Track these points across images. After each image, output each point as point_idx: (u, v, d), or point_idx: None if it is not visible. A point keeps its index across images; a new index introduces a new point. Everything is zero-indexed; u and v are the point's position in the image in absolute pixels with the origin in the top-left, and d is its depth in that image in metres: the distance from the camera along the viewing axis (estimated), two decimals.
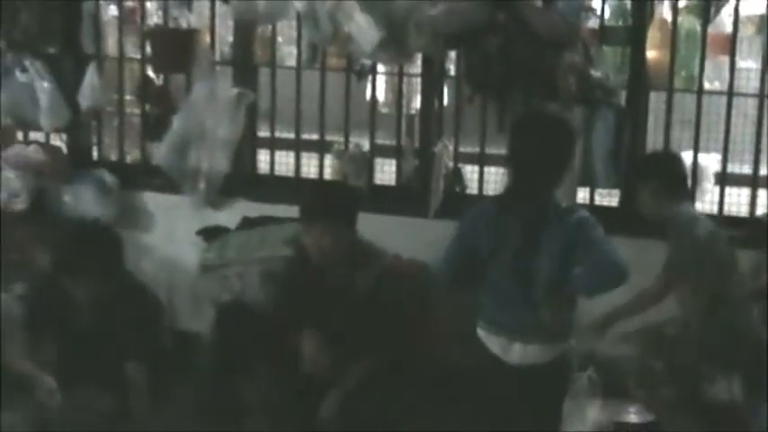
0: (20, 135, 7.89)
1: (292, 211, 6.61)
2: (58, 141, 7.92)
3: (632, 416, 5.95)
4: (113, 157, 7.85)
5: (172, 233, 7.40)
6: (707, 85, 6.90)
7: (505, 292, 4.91)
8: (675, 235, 5.85)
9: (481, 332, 5.00)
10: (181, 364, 6.53)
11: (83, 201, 7.36)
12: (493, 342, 4.95)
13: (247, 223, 7.08)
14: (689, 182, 6.19)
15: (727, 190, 6.98)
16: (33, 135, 7.92)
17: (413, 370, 6.08)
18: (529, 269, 4.86)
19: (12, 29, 7.56)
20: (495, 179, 7.02)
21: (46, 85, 7.47)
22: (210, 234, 7.08)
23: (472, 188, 7.29)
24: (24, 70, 7.51)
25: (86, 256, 5.98)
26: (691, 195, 6.23)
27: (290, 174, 7.58)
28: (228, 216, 7.21)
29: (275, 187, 7.45)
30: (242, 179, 7.43)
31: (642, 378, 5.99)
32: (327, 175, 7.64)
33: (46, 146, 7.74)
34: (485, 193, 7.08)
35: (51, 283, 6.25)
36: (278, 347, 6.05)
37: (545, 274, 4.83)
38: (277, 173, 7.68)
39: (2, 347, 6.11)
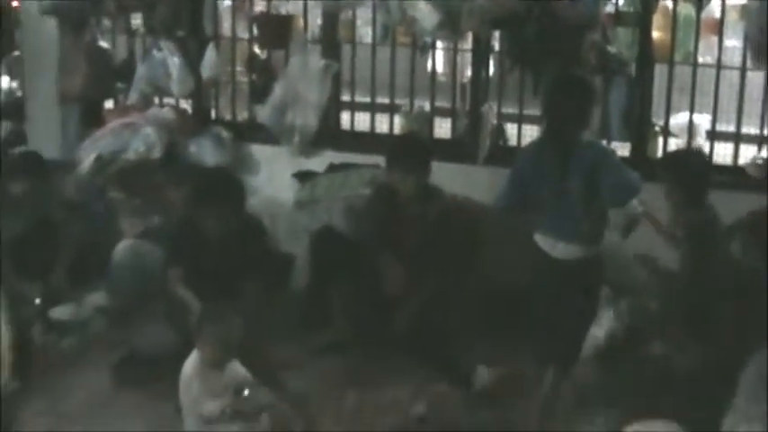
0: (156, 100, 8.06)
1: (369, 159, 7.10)
2: (185, 105, 8.13)
3: None
4: (227, 116, 8.03)
5: (273, 176, 7.53)
6: (700, 60, 7.09)
7: (552, 207, 5.31)
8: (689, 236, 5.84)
9: (537, 237, 5.41)
10: (282, 280, 6.73)
11: (204, 151, 7.56)
12: (545, 243, 5.37)
13: (333, 168, 7.30)
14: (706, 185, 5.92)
15: (716, 144, 7.16)
16: (166, 100, 8.12)
17: (472, 286, 6.32)
18: (567, 189, 5.28)
19: (150, 18, 7.83)
20: (530, 134, 7.21)
21: (176, 60, 7.74)
22: (303, 177, 7.31)
23: (512, 141, 7.51)
24: (160, 49, 7.79)
25: (219, 196, 6.07)
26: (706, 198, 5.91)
27: (367, 129, 7.79)
28: (317, 163, 7.41)
29: (355, 140, 7.66)
30: (328, 134, 7.59)
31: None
32: (396, 130, 7.81)
33: (176, 108, 8.00)
34: (522, 144, 7.20)
35: (183, 218, 6.38)
36: (361, 268, 6.30)
37: (579, 191, 5.26)
38: (356, 129, 7.88)
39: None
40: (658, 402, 5.13)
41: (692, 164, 6.09)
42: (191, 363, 5.19)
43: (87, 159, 7.53)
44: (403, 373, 6.00)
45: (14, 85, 8.83)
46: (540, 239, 5.38)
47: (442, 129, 7.93)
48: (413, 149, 6.44)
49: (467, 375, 5.84)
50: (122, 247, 6.87)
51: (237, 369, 5.19)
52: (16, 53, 8.63)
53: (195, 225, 6.12)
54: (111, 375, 6.08)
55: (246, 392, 5.13)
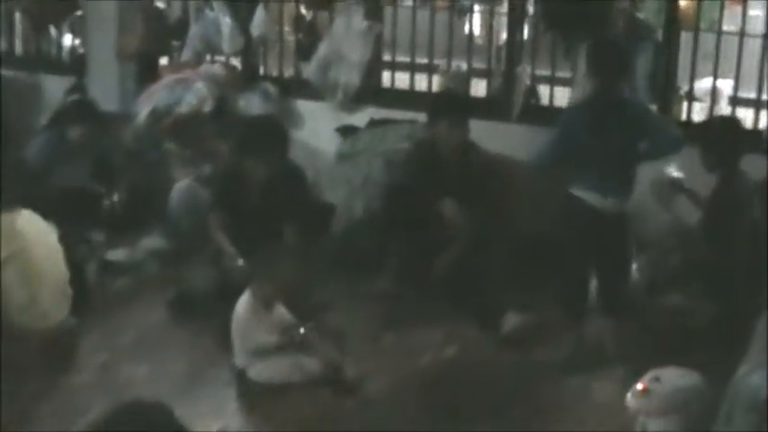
0: (208, 57, 8.06)
1: (408, 115, 7.10)
2: (235, 62, 8.14)
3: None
4: (275, 73, 8.03)
5: (316, 130, 7.52)
6: (724, 28, 7.04)
7: (593, 161, 5.38)
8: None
9: (576, 190, 5.47)
10: (322, 227, 6.80)
11: (252, 105, 7.54)
12: (584, 195, 5.44)
13: (373, 124, 7.29)
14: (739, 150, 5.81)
15: (738, 109, 7.16)
16: (217, 57, 8.13)
17: (508, 236, 6.28)
18: (609, 145, 5.36)
19: None
20: (561, 95, 7.25)
21: (227, 20, 7.75)
22: (345, 131, 7.32)
23: (544, 101, 7.55)
24: (212, 9, 7.82)
25: (264, 141, 6.13)
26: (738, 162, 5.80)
27: (406, 88, 7.77)
28: (359, 118, 7.41)
29: (395, 97, 7.63)
30: (370, 91, 7.55)
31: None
32: (434, 89, 7.82)
33: (226, 65, 8.00)
34: (553, 104, 7.27)
35: (230, 168, 6.42)
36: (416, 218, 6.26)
37: (620, 147, 5.35)
38: (396, 87, 7.85)
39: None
40: (676, 353, 5.13)
41: (726, 129, 6.03)
42: (243, 301, 5.30)
43: (143, 112, 7.55)
44: (436, 318, 6.01)
45: (77, 42, 8.88)
46: (580, 192, 5.39)
47: (478, 88, 7.90)
48: (455, 105, 6.47)
49: (495, 320, 5.84)
50: (180, 187, 6.93)
51: (285, 308, 5.28)
52: (79, 13, 8.65)
53: (240, 170, 6.16)
54: (163, 313, 6.13)
55: (302, 330, 5.25)
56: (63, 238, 5.78)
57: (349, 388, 5.24)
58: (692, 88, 7.20)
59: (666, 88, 7.10)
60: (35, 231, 5.60)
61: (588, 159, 5.40)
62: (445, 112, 6.28)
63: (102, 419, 2.29)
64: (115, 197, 7.16)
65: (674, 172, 5.99)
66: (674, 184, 6.03)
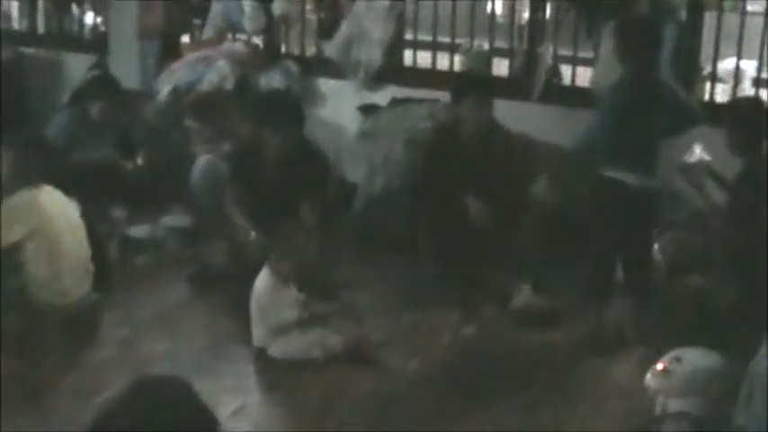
0: (229, 35, 8.06)
1: (430, 94, 7.08)
2: (257, 40, 8.08)
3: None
4: (296, 51, 7.99)
5: (338, 109, 7.55)
6: (748, 8, 6.94)
7: (626, 140, 5.34)
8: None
9: (605, 169, 5.43)
10: (342, 205, 6.86)
11: (274, 83, 7.53)
12: (617, 174, 5.37)
13: (395, 102, 7.27)
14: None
15: (761, 90, 7.11)
16: (239, 35, 8.11)
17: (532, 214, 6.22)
18: (640, 123, 5.33)
19: None
20: (583, 74, 7.17)
21: None
22: (367, 110, 7.31)
23: (566, 81, 7.46)
24: None
25: (279, 115, 6.20)
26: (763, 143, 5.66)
27: (428, 66, 7.70)
28: (381, 96, 7.40)
29: (416, 76, 7.58)
30: (392, 69, 7.52)
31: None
32: (456, 68, 7.80)
33: (248, 43, 7.99)
34: (575, 84, 7.23)
35: (247, 142, 6.47)
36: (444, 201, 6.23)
37: (654, 126, 5.33)
38: (418, 66, 7.77)
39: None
40: (697, 334, 5.11)
41: (751, 111, 5.94)
42: (261, 278, 5.31)
43: (164, 90, 7.58)
44: (456, 297, 6.03)
45: (99, 20, 8.88)
46: (610, 172, 5.37)
47: (500, 68, 7.86)
48: (480, 85, 6.47)
49: (510, 293, 5.88)
50: (201, 162, 6.96)
51: (304, 284, 5.28)
52: None
53: (256, 144, 6.20)
54: (184, 290, 6.17)
55: (324, 307, 5.26)
56: (85, 215, 5.80)
57: (369, 363, 5.25)
58: (715, 69, 7.12)
59: (689, 68, 7.03)
60: (57, 207, 5.62)
61: (621, 139, 5.36)
62: (469, 91, 6.26)
63: (120, 395, 2.28)
64: (136, 174, 7.17)
65: (701, 154, 5.94)
66: (701, 166, 5.98)
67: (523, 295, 5.86)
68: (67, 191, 5.76)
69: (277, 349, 5.28)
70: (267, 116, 6.22)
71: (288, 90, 7.07)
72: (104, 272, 6.03)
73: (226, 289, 6.00)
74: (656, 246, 6.08)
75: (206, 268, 6.30)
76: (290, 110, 6.27)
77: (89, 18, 9.01)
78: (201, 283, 6.18)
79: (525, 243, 6.02)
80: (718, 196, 5.88)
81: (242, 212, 6.18)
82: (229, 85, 7.50)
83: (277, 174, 6.19)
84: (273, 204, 6.03)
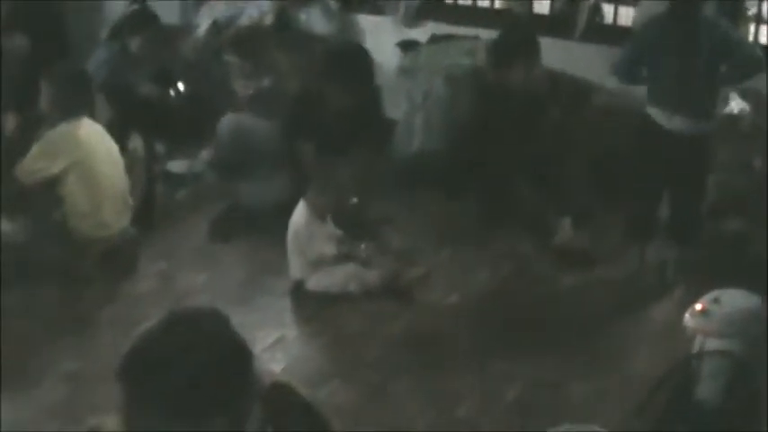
0: None
1: (469, 31, 7.00)
2: None
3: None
4: None
5: (378, 45, 7.25)
6: None
7: (671, 80, 5.24)
8: None
9: (651, 110, 5.35)
10: (383, 141, 6.74)
11: (313, 19, 7.42)
12: (659, 116, 5.30)
13: (435, 39, 7.15)
14: None
15: None
16: None
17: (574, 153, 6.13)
18: (688, 63, 5.23)
19: None
20: (624, 14, 7.05)
21: None
22: (407, 46, 7.20)
23: (607, 20, 7.28)
24: None
25: (351, 72, 6.09)
26: None
27: (468, 3, 7.58)
28: (420, 33, 7.29)
29: (457, 13, 7.47)
30: (431, 6, 7.42)
31: None
32: (497, 5, 7.56)
33: None
34: (617, 23, 7.10)
35: (309, 93, 6.26)
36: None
37: (700, 66, 5.21)
38: (458, 2, 7.63)
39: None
40: (736, 276, 5.06)
41: None
42: (298, 212, 5.32)
43: (204, 24, 7.52)
44: (496, 234, 6.00)
45: None
46: (654, 112, 5.30)
47: (542, 5, 7.65)
48: (527, 50, 6.19)
49: (551, 229, 5.84)
50: (226, 122, 6.87)
51: (341, 220, 5.28)
52: None
53: (320, 94, 6.09)
54: (222, 224, 6.17)
55: (363, 246, 5.32)
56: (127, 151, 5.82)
57: (406, 299, 5.26)
58: (760, 9, 6.96)
59: (733, 8, 6.79)
60: (97, 140, 5.63)
61: (664, 79, 5.28)
62: (517, 57, 6.07)
63: (154, 327, 2.27)
64: (175, 109, 7.15)
65: (741, 104, 5.86)
66: (740, 110, 5.90)
67: (564, 231, 5.82)
68: (107, 126, 5.78)
69: (314, 283, 5.31)
70: (338, 72, 6.08)
71: (361, 45, 6.88)
72: (144, 205, 6.08)
73: (263, 223, 6.00)
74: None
75: (244, 203, 6.29)
76: (363, 68, 6.15)
77: None
78: (239, 218, 6.17)
79: (568, 179, 5.95)
80: (760, 140, 5.79)
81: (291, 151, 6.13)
82: (269, 20, 7.41)
83: (335, 121, 6.11)
84: (324, 144, 5.99)
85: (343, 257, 5.30)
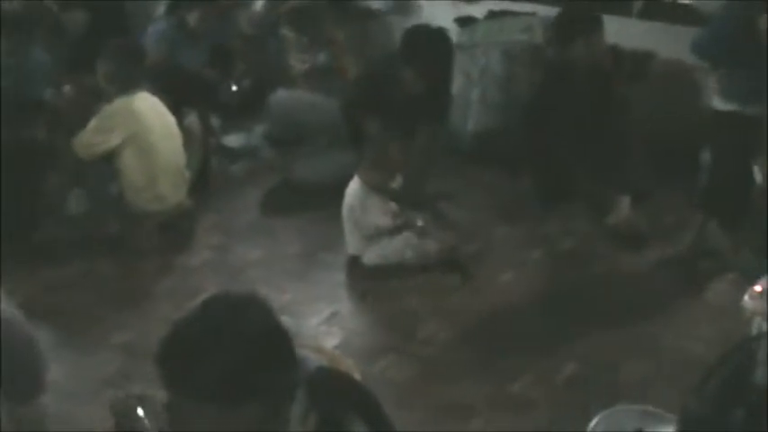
0: None
1: (526, 7, 6.94)
2: None
3: None
4: None
5: (435, 20, 7.05)
6: None
7: (742, 64, 5.14)
8: None
9: (714, 90, 5.28)
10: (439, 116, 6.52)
11: None
12: (725, 98, 5.23)
13: (492, 15, 7.10)
14: None
15: None
16: None
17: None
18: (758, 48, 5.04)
19: None
20: None
21: None
22: (464, 22, 7.12)
23: None
24: None
25: (430, 55, 6.01)
26: None
27: None
28: (478, 9, 7.22)
29: None
30: None
31: None
32: None
33: None
34: (676, 1, 6.88)
35: (383, 75, 6.17)
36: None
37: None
38: None
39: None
40: None
41: None
42: (353, 188, 5.29)
43: None
44: (552, 210, 5.95)
45: None
46: (718, 94, 5.20)
47: None
48: (590, 25, 6.06)
49: (608, 207, 5.76)
50: (277, 98, 6.89)
51: (397, 194, 5.28)
52: None
53: (395, 75, 6.02)
54: (277, 198, 6.20)
55: (420, 223, 5.29)
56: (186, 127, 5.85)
57: (461, 274, 5.24)
58: None
59: None
60: (153, 114, 5.64)
61: (735, 60, 5.18)
62: (579, 33, 5.95)
63: (194, 311, 2.25)
64: (232, 83, 7.15)
65: None
66: None
67: (621, 210, 5.73)
68: (164, 100, 5.80)
69: (371, 256, 5.28)
70: (415, 55, 5.99)
71: (442, 28, 6.65)
72: (200, 179, 6.10)
73: (318, 198, 5.99)
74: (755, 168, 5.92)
75: (296, 178, 6.32)
76: (440, 51, 6.11)
77: None
78: (295, 193, 6.17)
79: (628, 158, 5.82)
80: None
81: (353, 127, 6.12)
82: None
83: (404, 99, 6.00)
84: (391, 122, 5.87)
85: (398, 230, 5.27)
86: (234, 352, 2.15)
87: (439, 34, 6.25)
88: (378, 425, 2.36)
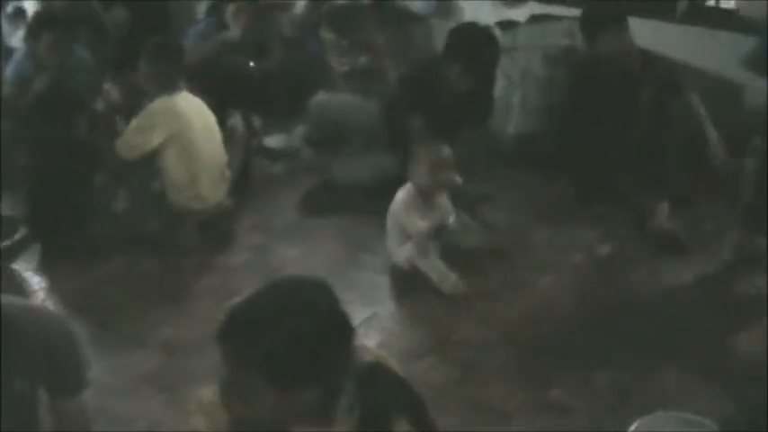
0: None
1: (567, 11, 6.88)
2: None
3: None
4: None
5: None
6: None
7: None
8: None
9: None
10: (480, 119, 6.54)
11: None
12: None
13: (533, 19, 7.10)
14: None
15: None
16: None
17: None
18: None
19: None
20: None
21: None
22: (505, 25, 7.10)
23: (709, 1, 7.03)
24: None
25: (476, 52, 5.98)
26: None
27: None
28: (519, 13, 7.25)
29: None
30: None
31: None
32: None
33: None
34: (719, 5, 6.87)
35: (429, 73, 6.13)
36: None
37: None
38: None
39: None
40: None
41: None
42: (403, 190, 5.26)
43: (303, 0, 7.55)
44: (591, 215, 5.91)
45: None
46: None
47: None
48: (613, 15, 6.09)
49: (648, 213, 5.71)
50: (317, 102, 6.91)
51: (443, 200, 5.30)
52: None
53: (440, 75, 6.00)
54: (317, 199, 6.20)
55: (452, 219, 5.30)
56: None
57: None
58: None
59: None
60: (195, 114, 5.68)
61: None
62: (603, 24, 5.97)
63: (258, 291, 2.28)
64: (272, 84, 7.16)
65: None
66: None
67: (660, 216, 5.68)
68: (206, 100, 5.82)
69: (408, 260, 5.27)
70: (462, 53, 5.97)
71: (488, 27, 6.64)
72: (241, 179, 6.12)
73: (358, 200, 6.00)
74: None
75: (335, 180, 6.31)
76: (488, 49, 6.05)
77: None
78: (335, 194, 6.18)
79: (667, 163, 5.78)
80: None
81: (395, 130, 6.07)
82: None
83: (452, 101, 6.01)
84: (435, 125, 5.86)
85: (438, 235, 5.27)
86: (296, 332, 2.19)
87: (485, 32, 6.20)
88: (422, 426, 2.37)
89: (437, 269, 5.18)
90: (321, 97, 6.93)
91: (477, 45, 6.03)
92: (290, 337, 2.17)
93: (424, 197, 5.23)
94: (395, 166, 5.82)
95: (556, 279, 5.30)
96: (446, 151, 5.23)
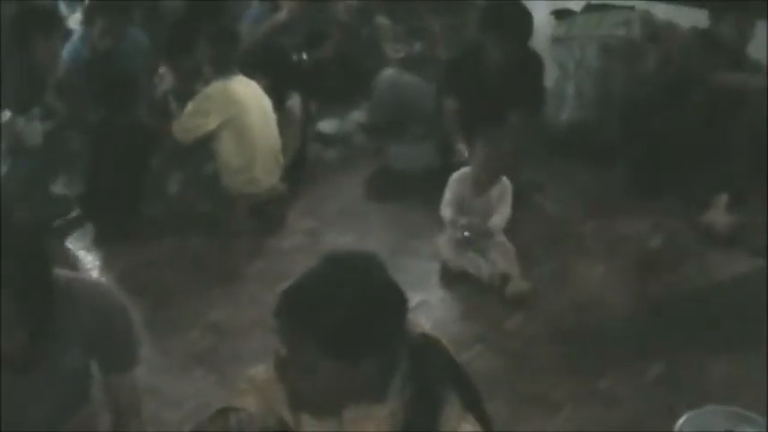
0: None
1: (624, 2, 6.83)
2: None
3: None
4: None
5: (533, 12, 6.67)
6: None
7: None
8: None
9: None
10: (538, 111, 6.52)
11: None
12: None
13: (590, 8, 7.05)
14: None
15: None
16: None
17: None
18: None
19: None
20: None
21: None
22: (561, 14, 7.12)
23: None
24: None
25: (508, 25, 5.92)
26: None
27: None
28: (576, 2, 7.16)
29: None
30: None
31: None
32: None
33: None
34: None
35: (468, 49, 6.22)
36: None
37: None
38: None
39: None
40: None
41: None
42: (462, 170, 5.25)
43: None
44: (642, 207, 5.87)
45: None
46: None
47: None
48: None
49: (704, 206, 5.67)
50: (384, 77, 6.90)
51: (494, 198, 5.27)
52: None
53: (479, 53, 6.00)
54: (370, 185, 6.23)
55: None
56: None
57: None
58: None
59: None
60: (251, 98, 5.70)
61: None
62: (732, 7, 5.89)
63: (312, 268, 2.30)
64: (327, 69, 7.18)
65: None
66: None
67: (716, 209, 5.64)
68: (263, 82, 5.85)
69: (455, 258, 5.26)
70: (495, 26, 5.95)
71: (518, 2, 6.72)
72: (294, 163, 6.14)
73: (411, 186, 6.03)
74: None
75: (389, 167, 6.34)
76: (520, 20, 5.98)
77: None
78: (388, 180, 6.19)
79: (728, 155, 5.74)
80: None
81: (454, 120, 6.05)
82: None
83: (494, 81, 5.98)
84: (482, 110, 5.83)
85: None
86: (354, 304, 2.22)
87: (518, 9, 6.10)
88: (472, 403, 2.39)
89: (472, 261, 5.18)
90: (389, 74, 6.93)
91: (508, 18, 5.97)
92: (349, 309, 2.21)
93: (477, 185, 5.23)
94: (448, 155, 5.83)
95: (606, 270, 5.28)
96: (505, 145, 5.22)
